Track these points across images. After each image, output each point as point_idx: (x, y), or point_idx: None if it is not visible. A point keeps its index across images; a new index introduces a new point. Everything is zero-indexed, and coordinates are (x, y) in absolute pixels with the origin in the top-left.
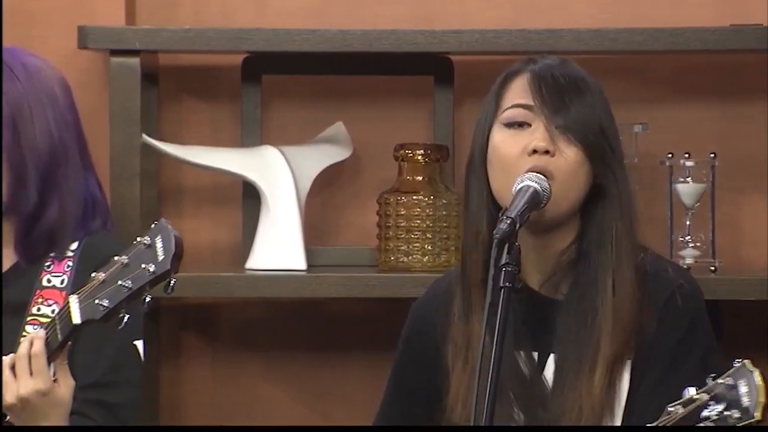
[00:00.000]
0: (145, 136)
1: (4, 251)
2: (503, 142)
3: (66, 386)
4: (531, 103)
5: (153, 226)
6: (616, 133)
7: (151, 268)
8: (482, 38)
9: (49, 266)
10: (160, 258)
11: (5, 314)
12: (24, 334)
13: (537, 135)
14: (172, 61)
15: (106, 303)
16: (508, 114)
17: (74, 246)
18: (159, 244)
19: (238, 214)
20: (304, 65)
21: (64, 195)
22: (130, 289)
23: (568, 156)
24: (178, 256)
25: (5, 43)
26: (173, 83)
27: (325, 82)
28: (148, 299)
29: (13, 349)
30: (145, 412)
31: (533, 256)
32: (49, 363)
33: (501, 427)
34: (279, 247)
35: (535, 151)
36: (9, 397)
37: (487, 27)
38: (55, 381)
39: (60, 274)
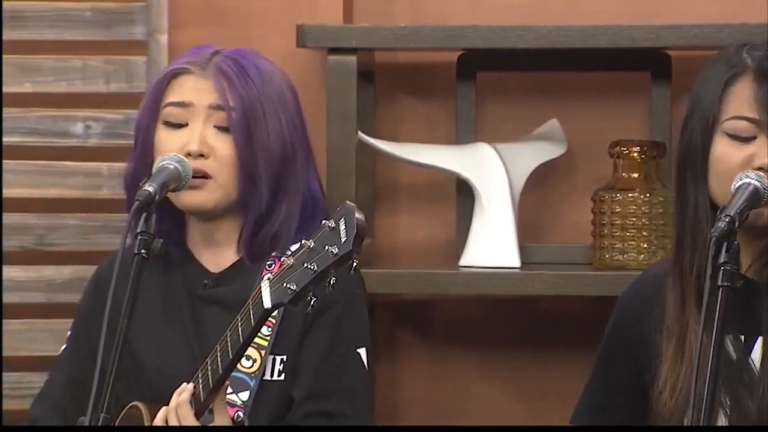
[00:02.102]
0: (361, 134)
1: (223, 249)
2: (726, 154)
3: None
4: (757, 117)
5: (338, 209)
6: None
7: (335, 249)
8: (701, 33)
9: (270, 265)
10: (343, 240)
11: (224, 309)
12: None
13: (764, 151)
14: (388, 58)
15: (293, 286)
16: (732, 125)
17: (294, 247)
18: (342, 226)
19: (452, 211)
20: (519, 62)
21: (291, 196)
22: (315, 271)
23: None
24: (360, 237)
25: (228, 45)
26: (389, 81)
27: (539, 79)
28: (332, 281)
29: (219, 343)
30: None
31: (741, 240)
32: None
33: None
34: (493, 244)
35: (760, 168)
36: None
37: (707, 21)
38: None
39: None
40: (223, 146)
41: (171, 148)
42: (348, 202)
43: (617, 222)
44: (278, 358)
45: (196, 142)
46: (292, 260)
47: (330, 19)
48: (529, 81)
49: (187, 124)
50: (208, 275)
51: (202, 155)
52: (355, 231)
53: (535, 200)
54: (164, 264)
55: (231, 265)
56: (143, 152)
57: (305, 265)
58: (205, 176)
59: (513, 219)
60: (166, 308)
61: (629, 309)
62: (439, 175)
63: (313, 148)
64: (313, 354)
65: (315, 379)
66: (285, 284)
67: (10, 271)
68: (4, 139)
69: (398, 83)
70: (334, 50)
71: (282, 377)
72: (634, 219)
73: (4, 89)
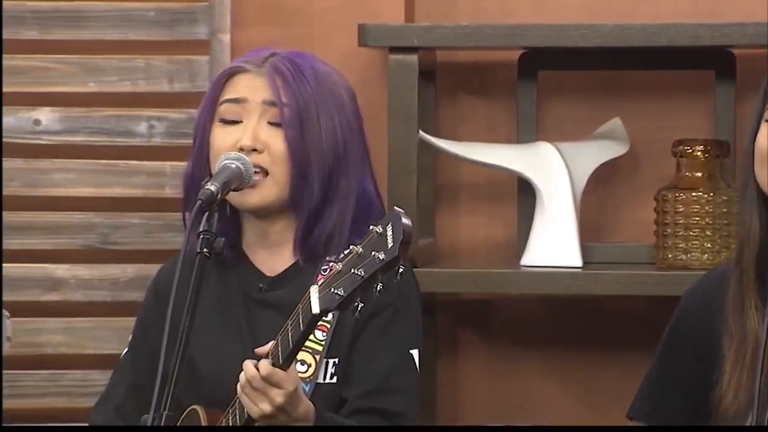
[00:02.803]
0: (422, 133)
1: (279, 251)
2: (762, 135)
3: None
4: None
5: (386, 214)
6: None
7: (381, 255)
8: (766, 31)
9: (325, 269)
10: (390, 245)
11: (279, 313)
12: None
13: None
14: (450, 57)
15: (341, 292)
16: None
17: (348, 250)
18: (389, 232)
19: (513, 210)
20: (581, 61)
21: (344, 198)
22: (363, 277)
23: None
24: (405, 243)
25: (290, 44)
26: (450, 80)
27: (602, 78)
28: (379, 287)
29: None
30: (423, 407)
31: None
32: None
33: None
34: (554, 243)
35: None
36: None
37: None
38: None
39: None
40: (276, 142)
41: (225, 145)
42: (396, 207)
43: (680, 222)
44: (331, 361)
45: (249, 137)
46: (340, 265)
47: (391, 18)
48: (591, 80)
49: (241, 121)
50: (263, 278)
51: (255, 150)
52: (401, 237)
53: (597, 200)
54: (220, 267)
55: (287, 269)
56: (200, 151)
57: (353, 270)
58: (262, 172)
59: (575, 218)
60: (222, 311)
61: (693, 306)
62: (500, 174)
63: (370, 149)
64: (366, 354)
65: (367, 378)
66: (333, 290)
67: (75, 270)
68: (69, 138)
69: (459, 82)
70: (395, 49)
71: (334, 380)
72: (697, 218)
73: (69, 89)
